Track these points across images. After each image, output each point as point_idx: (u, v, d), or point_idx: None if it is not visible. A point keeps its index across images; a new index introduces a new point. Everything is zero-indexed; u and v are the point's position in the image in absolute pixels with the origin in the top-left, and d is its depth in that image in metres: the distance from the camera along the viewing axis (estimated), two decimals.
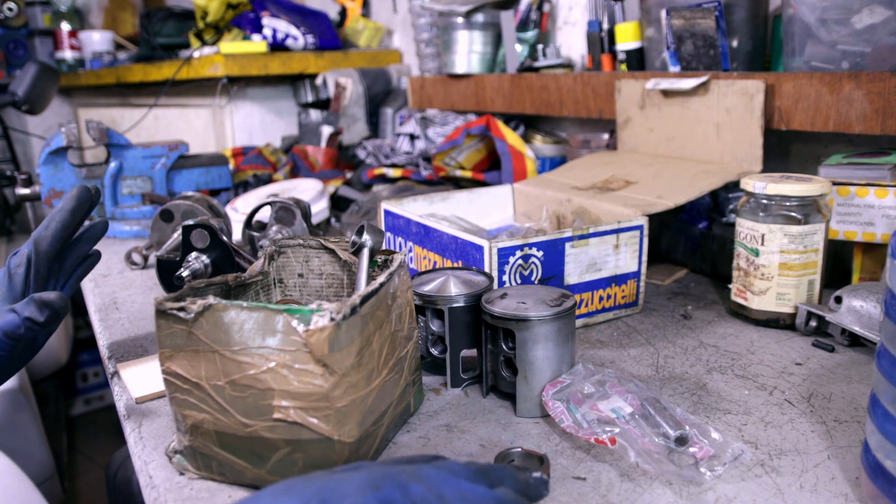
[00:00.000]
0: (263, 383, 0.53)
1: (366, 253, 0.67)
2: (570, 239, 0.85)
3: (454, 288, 0.74)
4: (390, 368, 0.61)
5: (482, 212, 1.16)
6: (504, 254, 0.81)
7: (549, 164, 1.46)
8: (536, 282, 0.84)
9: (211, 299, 0.54)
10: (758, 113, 1.03)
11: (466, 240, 0.84)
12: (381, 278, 0.60)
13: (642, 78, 1.21)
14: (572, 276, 0.87)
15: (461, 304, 0.72)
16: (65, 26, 2.66)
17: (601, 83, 1.31)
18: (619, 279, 0.91)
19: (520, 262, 0.82)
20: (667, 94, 1.17)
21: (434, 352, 0.76)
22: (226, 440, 0.56)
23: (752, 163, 1.05)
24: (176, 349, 0.55)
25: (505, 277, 0.82)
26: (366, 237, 0.68)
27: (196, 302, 0.54)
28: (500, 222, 1.16)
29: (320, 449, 0.54)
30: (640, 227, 0.90)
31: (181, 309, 0.54)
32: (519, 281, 0.83)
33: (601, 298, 0.90)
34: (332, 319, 0.52)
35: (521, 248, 0.82)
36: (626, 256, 0.90)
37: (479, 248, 0.81)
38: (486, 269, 0.81)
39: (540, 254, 0.84)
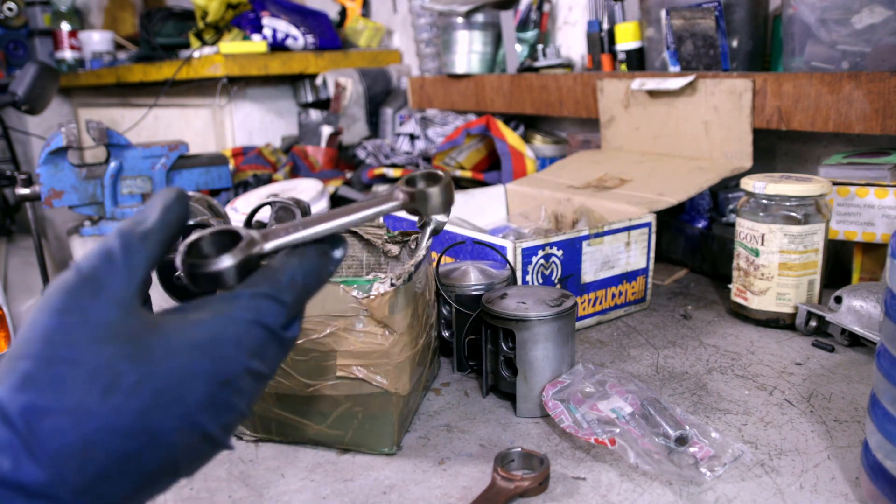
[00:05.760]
0: (325, 346, 0.60)
1: (429, 230, 0.70)
2: (587, 237, 0.86)
3: (473, 278, 0.77)
4: (427, 332, 0.68)
5: (476, 212, 1.16)
6: (527, 254, 0.81)
7: (549, 164, 1.46)
8: (556, 280, 0.85)
9: None
10: (747, 111, 1.04)
11: (490, 241, 0.84)
12: (421, 251, 0.66)
13: (626, 78, 1.21)
14: (588, 273, 0.88)
15: (470, 293, 0.75)
16: (65, 26, 2.66)
17: None
18: (630, 276, 0.92)
19: (541, 261, 0.83)
20: (652, 93, 1.17)
21: (445, 334, 0.80)
22: (285, 401, 0.62)
23: (743, 159, 1.06)
24: None
25: (528, 277, 0.82)
26: (433, 217, 0.69)
27: None
28: (494, 223, 1.16)
29: (379, 401, 0.61)
30: (648, 225, 0.91)
31: None
32: (541, 280, 0.84)
33: (613, 296, 0.91)
34: (392, 285, 0.59)
35: (542, 247, 0.82)
36: (636, 253, 0.91)
37: (503, 249, 0.81)
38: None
39: (560, 253, 0.84)
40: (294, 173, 1.72)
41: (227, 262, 0.37)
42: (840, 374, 0.74)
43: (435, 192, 0.46)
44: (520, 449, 0.58)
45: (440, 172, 0.47)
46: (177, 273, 0.90)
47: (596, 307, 0.90)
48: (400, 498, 0.55)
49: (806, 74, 0.99)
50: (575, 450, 0.61)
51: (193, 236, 0.39)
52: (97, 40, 2.61)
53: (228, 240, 0.39)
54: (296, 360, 0.61)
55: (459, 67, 1.60)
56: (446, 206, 0.46)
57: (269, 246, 0.39)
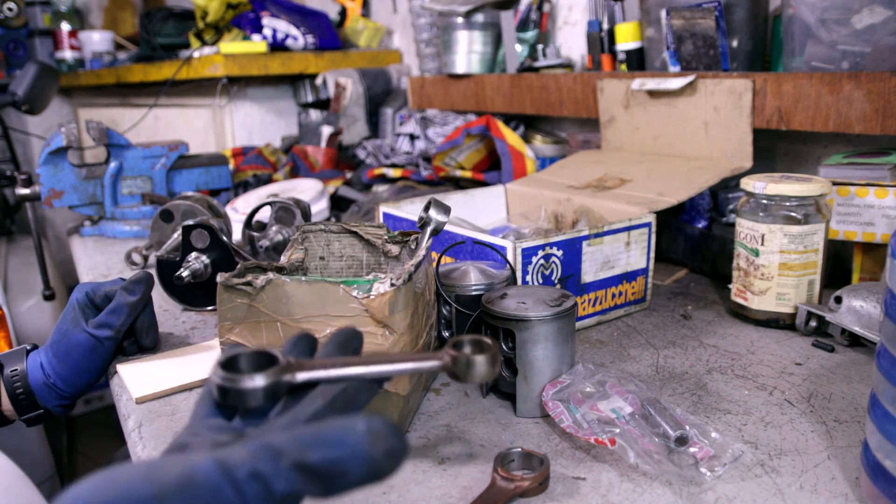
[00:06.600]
0: None
1: (429, 230, 0.71)
2: (587, 237, 0.86)
3: (473, 278, 0.77)
4: (427, 332, 0.68)
5: (476, 213, 1.16)
6: (527, 254, 0.81)
7: (549, 164, 1.46)
8: (556, 280, 0.85)
9: (271, 275, 0.60)
10: (747, 111, 1.04)
11: (490, 241, 0.84)
12: (421, 251, 0.66)
13: (626, 78, 1.21)
14: (588, 274, 0.88)
15: (470, 293, 0.75)
16: (65, 26, 2.66)
17: None
18: (630, 276, 0.92)
19: (541, 261, 0.83)
20: (652, 93, 1.17)
21: (445, 334, 0.80)
22: None
23: (743, 159, 1.06)
24: (237, 322, 0.61)
25: (528, 277, 0.82)
26: (432, 215, 0.71)
27: (259, 277, 0.60)
28: (494, 223, 1.16)
29: (378, 401, 0.60)
30: (648, 225, 0.91)
31: (247, 283, 0.60)
32: (541, 280, 0.84)
33: (613, 296, 0.91)
34: (392, 285, 0.59)
35: (542, 247, 0.82)
36: (636, 254, 0.91)
37: (503, 249, 0.81)
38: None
39: (560, 253, 0.84)
40: (294, 173, 1.72)
41: (258, 381, 0.38)
42: (840, 374, 0.74)
43: (481, 360, 0.43)
44: (520, 449, 0.58)
45: (488, 341, 0.44)
46: (176, 273, 0.90)
47: (596, 307, 0.90)
48: (400, 498, 0.55)
49: (806, 74, 0.99)
50: (575, 450, 0.61)
51: (232, 352, 0.40)
52: (97, 40, 2.61)
53: (265, 361, 0.39)
54: None
55: (459, 67, 1.60)
56: (489, 376, 0.44)
57: (301, 377, 0.39)
